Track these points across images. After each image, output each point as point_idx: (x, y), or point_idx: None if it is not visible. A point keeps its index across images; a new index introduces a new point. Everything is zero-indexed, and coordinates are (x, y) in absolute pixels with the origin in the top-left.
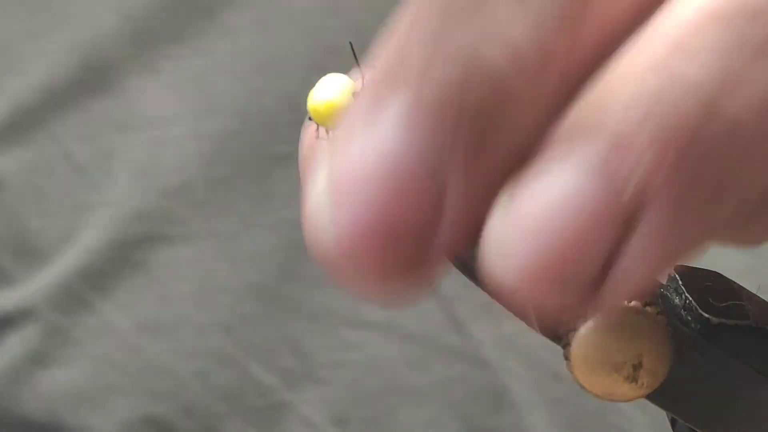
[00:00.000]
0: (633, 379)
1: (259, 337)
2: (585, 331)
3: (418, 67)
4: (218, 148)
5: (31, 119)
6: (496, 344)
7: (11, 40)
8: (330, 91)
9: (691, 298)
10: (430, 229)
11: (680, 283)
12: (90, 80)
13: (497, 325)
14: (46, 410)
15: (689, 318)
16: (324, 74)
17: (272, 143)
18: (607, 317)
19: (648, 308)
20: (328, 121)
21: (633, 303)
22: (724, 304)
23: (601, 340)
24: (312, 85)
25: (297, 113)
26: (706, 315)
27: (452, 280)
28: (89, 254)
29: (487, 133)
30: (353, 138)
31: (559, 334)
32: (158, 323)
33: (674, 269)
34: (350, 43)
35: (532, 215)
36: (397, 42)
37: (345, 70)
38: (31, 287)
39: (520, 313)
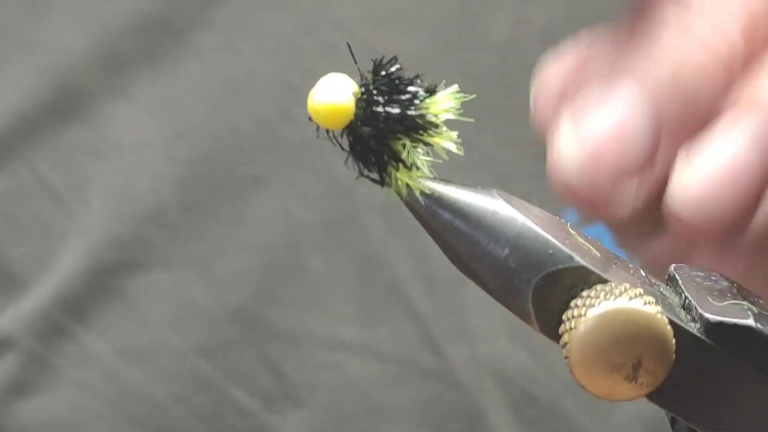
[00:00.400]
0: (633, 378)
1: (238, 360)
2: (585, 330)
3: (643, 65)
4: (191, 171)
5: (4, 147)
6: (471, 366)
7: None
8: (330, 92)
9: (690, 298)
10: (645, 171)
11: (680, 282)
12: (62, 106)
13: (473, 347)
14: None
15: (689, 317)
16: (296, 95)
17: (245, 166)
18: (608, 317)
19: (648, 308)
20: (328, 122)
21: (634, 303)
22: (723, 304)
23: (601, 340)
24: (283, 107)
25: (269, 135)
26: (706, 314)
27: (429, 302)
28: (66, 282)
29: (687, 107)
30: (596, 110)
31: (558, 332)
32: (137, 349)
33: (674, 269)
34: (348, 44)
35: (708, 169)
36: (623, 45)
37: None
38: (10, 316)
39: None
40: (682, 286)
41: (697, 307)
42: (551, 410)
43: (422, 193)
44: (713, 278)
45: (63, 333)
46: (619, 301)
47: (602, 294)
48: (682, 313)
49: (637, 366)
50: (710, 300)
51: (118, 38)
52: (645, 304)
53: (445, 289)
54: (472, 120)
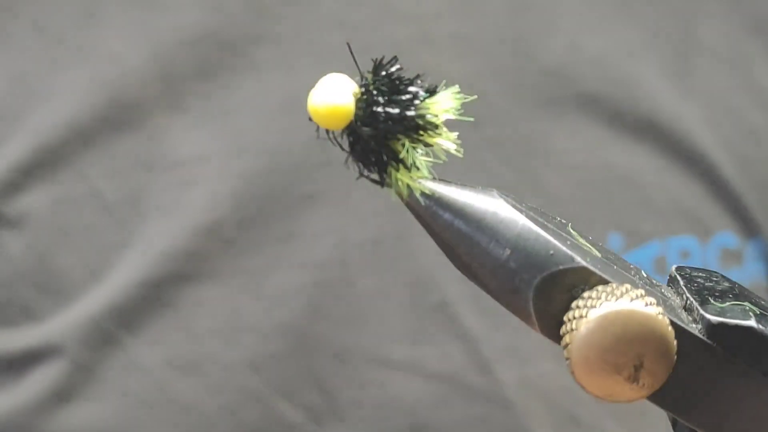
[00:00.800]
0: (634, 379)
1: (285, 375)
2: (586, 331)
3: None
4: (247, 187)
5: (57, 157)
6: (519, 386)
7: (28, 73)
8: (330, 92)
9: (692, 299)
10: None
11: (681, 283)
12: (117, 118)
13: (521, 367)
14: None
15: (690, 318)
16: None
17: (300, 182)
18: (609, 318)
19: (650, 309)
20: (328, 122)
21: (635, 304)
22: (725, 304)
23: (602, 341)
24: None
25: (323, 152)
26: (707, 315)
27: (477, 322)
28: (118, 293)
29: None
30: None
31: (559, 333)
32: (186, 360)
33: (675, 270)
34: (348, 44)
35: None
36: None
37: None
38: (58, 324)
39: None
40: (684, 287)
41: (699, 308)
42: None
43: (422, 193)
44: (714, 279)
45: (112, 342)
46: (621, 302)
47: (603, 295)
48: (684, 314)
49: (638, 367)
50: (712, 301)
51: (174, 51)
52: (646, 305)
53: (494, 309)
54: (472, 119)
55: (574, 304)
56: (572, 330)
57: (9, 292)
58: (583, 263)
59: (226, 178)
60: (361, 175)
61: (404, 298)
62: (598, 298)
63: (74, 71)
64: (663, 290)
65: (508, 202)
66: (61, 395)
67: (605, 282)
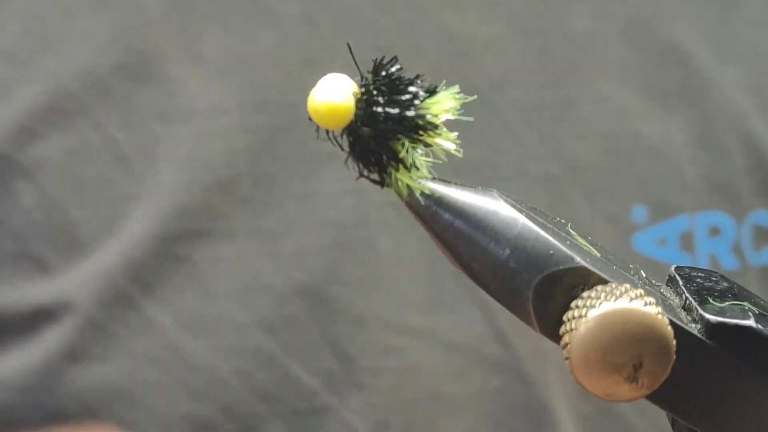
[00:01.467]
0: (633, 379)
1: (302, 338)
2: (585, 330)
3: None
4: (265, 143)
5: (73, 104)
6: (537, 359)
7: (46, 17)
8: (330, 91)
9: (691, 299)
10: None
11: (680, 283)
12: (134, 67)
13: (538, 339)
14: (80, 406)
15: (689, 318)
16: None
17: (319, 141)
18: (608, 317)
19: (649, 309)
20: (328, 121)
21: (634, 304)
22: (724, 304)
23: (601, 341)
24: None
25: None
26: (707, 315)
27: None
28: (132, 248)
29: None
30: None
31: (559, 333)
32: (200, 321)
33: (674, 270)
34: (348, 44)
35: None
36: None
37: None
38: (71, 279)
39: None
40: (683, 287)
41: (698, 307)
42: (606, 408)
43: (422, 193)
44: (714, 279)
45: (125, 300)
46: (620, 301)
47: (603, 295)
48: (683, 314)
49: (637, 366)
50: (711, 300)
51: (194, 1)
52: (646, 304)
53: None
54: (471, 119)
55: (573, 304)
56: (571, 330)
57: (21, 245)
58: (583, 263)
59: (244, 133)
60: (361, 175)
61: (423, 263)
62: (597, 298)
63: (93, 18)
64: (662, 290)
65: (507, 202)
66: (74, 354)
67: (605, 282)
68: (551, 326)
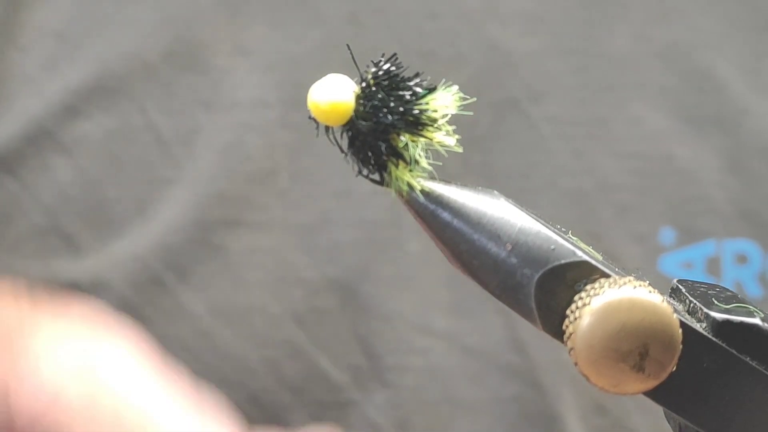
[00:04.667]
0: (640, 368)
1: (331, 332)
2: (590, 319)
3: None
4: (304, 139)
5: (118, 86)
6: (552, 369)
7: (99, 1)
8: (331, 88)
9: (695, 302)
10: None
11: (684, 291)
12: (181, 55)
13: (555, 351)
14: None
15: (694, 319)
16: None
17: None
18: (612, 305)
19: (653, 296)
20: (328, 118)
21: (638, 291)
22: (730, 306)
23: (606, 328)
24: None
25: None
26: (713, 314)
27: None
28: (168, 232)
29: None
30: None
31: (562, 329)
32: (232, 310)
33: (677, 282)
34: (347, 45)
35: None
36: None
37: (436, 78)
38: (104, 259)
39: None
40: (687, 294)
41: (703, 308)
42: (619, 422)
43: (422, 191)
44: (717, 289)
45: (159, 284)
46: (624, 289)
47: (607, 284)
48: (687, 317)
49: (644, 355)
50: (716, 303)
51: None
52: (650, 292)
53: None
54: (471, 113)
55: (577, 297)
56: (575, 320)
57: (51, 219)
58: (586, 257)
59: (284, 128)
60: (360, 173)
61: (448, 267)
62: (602, 287)
63: (144, 4)
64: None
65: (508, 200)
66: None
67: (607, 276)
68: (554, 323)
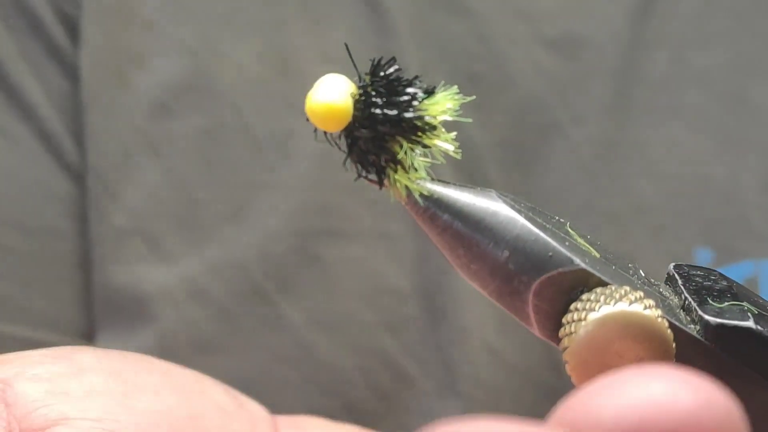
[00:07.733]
0: None
1: (419, 340)
2: (585, 334)
3: None
4: None
5: (212, 84)
6: None
7: (213, 15)
8: (328, 92)
9: (690, 299)
10: None
11: (679, 282)
12: (272, 57)
13: None
14: None
15: (688, 319)
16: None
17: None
18: (608, 321)
19: (648, 312)
20: (326, 123)
21: (633, 306)
22: (723, 305)
23: (601, 344)
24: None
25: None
26: (706, 317)
27: None
28: (270, 242)
29: None
30: None
31: (558, 335)
32: (328, 319)
33: (673, 268)
34: (346, 44)
35: None
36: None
37: (484, 100)
38: (198, 265)
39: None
40: (682, 286)
41: (697, 308)
42: None
43: (421, 194)
44: (713, 277)
45: (261, 294)
46: (620, 305)
47: (602, 297)
48: (682, 314)
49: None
50: (710, 301)
51: (320, 2)
52: (645, 308)
53: None
54: (470, 120)
55: (572, 306)
56: (571, 333)
57: (135, 221)
58: (582, 265)
59: None
60: (360, 176)
61: None
62: (597, 301)
63: (245, 21)
64: (661, 289)
65: (506, 203)
66: (199, 344)
67: (604, 284)
68: (551, 328)
